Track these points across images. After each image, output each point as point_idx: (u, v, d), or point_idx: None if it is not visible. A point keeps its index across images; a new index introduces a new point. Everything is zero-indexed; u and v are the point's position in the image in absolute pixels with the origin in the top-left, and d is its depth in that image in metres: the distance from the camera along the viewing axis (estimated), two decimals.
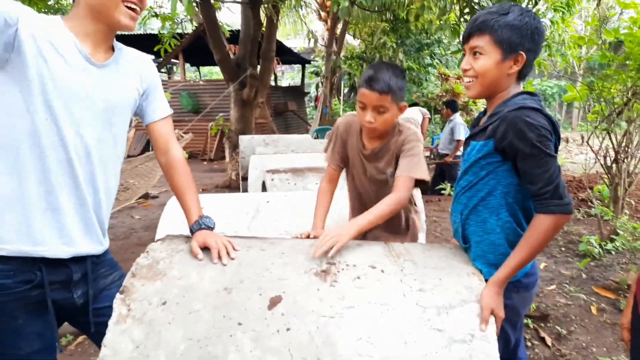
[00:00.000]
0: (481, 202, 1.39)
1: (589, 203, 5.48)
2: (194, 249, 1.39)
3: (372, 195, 1.86)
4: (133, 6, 1.28)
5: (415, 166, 1.68)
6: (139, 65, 1.46)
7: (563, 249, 4.26)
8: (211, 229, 1.47)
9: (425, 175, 1.69)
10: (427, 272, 1.34)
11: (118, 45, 1.41)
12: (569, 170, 8.70)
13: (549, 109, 22.18)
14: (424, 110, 7.24)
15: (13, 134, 1.20)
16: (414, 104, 7.74)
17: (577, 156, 10.41)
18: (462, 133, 6.43)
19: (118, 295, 1.27)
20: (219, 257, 1.36)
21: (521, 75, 1.35)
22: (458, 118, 6.69)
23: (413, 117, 6.88)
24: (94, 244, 1.37)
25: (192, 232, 1.46)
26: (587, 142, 4.27)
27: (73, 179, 1.29)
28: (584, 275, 3.59)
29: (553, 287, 3.40)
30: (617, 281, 3.30)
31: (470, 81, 1.37)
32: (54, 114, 1.23)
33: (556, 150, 1.27)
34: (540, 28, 1.31)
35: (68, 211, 1.29)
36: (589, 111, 4.61)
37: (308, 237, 1.68)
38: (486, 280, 1.32)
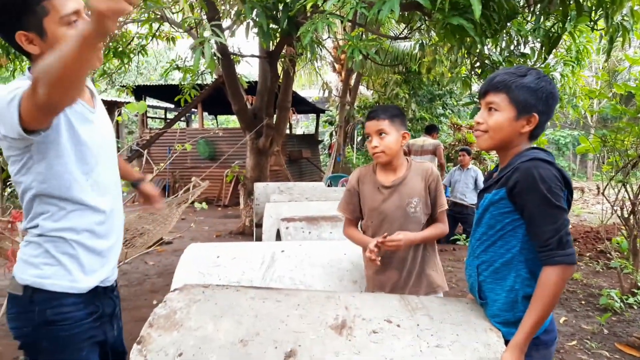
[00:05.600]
0: (499, 258, 1.38)
1: (608, 255, 5.37)
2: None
3: (396, 224, 1.92)
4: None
5: (443, 200, 2.01)
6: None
7: (583, 302, 4.14)
8: None
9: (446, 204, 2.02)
10: (444, 327, 1.33)
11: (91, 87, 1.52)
12: (586, 220, 8.57)
13: (562, 158, 22.15)
14: (437, 142, 7.26)
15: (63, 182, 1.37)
16: (432, 126, 7.57)
17: (593, 206, 10.27)
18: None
19: (135, 345, 1.28)
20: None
21: (533, 135, 1.39)
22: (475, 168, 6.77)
23: (432, 142, 7.11)
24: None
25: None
26: (603, 193, 4.24)
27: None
28: (605, 331, 3.48)
29: (574, 342, 3.29)
30: None
31: (480, 134, 1.42)
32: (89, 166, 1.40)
33: (569, 206, 1.29)
34: (555, 93, 1.36)
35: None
36: (604, 162, 4.61)
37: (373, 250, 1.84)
38: (506, 341, 1.30)
